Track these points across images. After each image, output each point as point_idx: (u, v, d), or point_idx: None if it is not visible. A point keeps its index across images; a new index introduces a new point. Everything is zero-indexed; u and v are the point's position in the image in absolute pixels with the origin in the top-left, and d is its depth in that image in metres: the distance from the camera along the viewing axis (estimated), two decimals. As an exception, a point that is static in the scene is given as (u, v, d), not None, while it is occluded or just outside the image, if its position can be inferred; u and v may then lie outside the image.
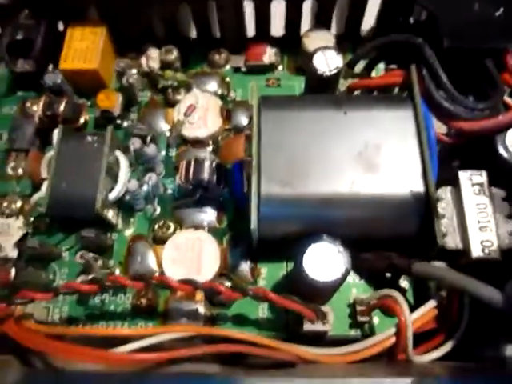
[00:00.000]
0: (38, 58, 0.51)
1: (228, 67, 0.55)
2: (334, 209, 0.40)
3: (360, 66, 0.53)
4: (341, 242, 0.38)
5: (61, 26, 0.55)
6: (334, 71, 0.45)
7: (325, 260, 0.37)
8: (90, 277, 0.42)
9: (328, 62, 0.46)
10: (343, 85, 0.51)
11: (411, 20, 0.53)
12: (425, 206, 0.40)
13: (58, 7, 0.52)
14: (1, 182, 0.50)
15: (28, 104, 0.52)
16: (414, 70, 0.45)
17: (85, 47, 0.50)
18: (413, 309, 0.40)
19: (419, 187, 0.40)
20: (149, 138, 0.46)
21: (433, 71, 0.45)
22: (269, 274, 0.45)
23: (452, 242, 0.41)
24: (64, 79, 0.50)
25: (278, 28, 0.55)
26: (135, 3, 0.50)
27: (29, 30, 0.51)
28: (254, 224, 0.39)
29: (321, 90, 0.47)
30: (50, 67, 0.51)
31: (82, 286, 0.38)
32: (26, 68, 0.52)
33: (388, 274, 0.44)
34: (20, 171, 0.50)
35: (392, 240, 0.41)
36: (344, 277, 0.37)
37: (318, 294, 0.40)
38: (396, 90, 0.50)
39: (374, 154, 0.41)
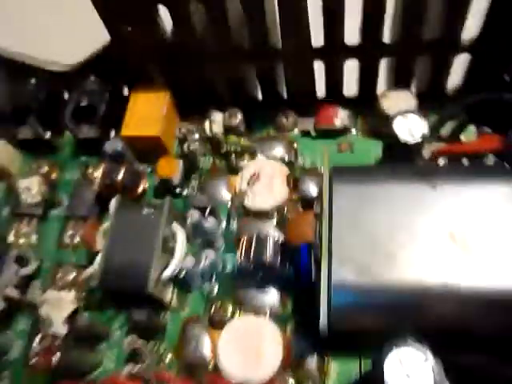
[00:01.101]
0: (101, 124, 0.50)
1: (296, 131, 0.51)
2: (422, 302, 0.34)
3: (446, 130, 0.47)
4: (430, 346, 0.31)
5: (126, 91, 0.54)
6: (419, 139, 0.40)
7: (410, 370, 0.31)
8: (137, 367, 0.38)
9: (411, 127, 0.40)
10: (426, 150, 0.45)
11: (506, 77, 0.47)
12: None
13: (122, 72, 0.50)
14: (58, 250, 0.48)
15: (90, 170, 0.51)
16: (515, 135, 0.38)
17: (148, 113, 0.49)
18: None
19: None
20: (208, 210, 0.42)
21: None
22: (340, 370, 0.38)
23: None
24: (125, 146, 0.48)
25: (350, 87, 0.50)
26: (199, 64, 0.48)
27: (93, 96, 0.51)
28: (323, 320, 0.33)
29: (402, 158, 0.41)
30: (112, 133, 0.50)
31: (123, 382, 0.34)
32: (89, 134, 0.51)
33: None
34: (77, 240, 0.48)
35: (495, 342, 0.34)
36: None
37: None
38: (489, 158, 0.43)
39: (470, 237, 0.34)
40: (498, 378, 0.34)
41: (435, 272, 0.34)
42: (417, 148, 0.41)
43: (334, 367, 0.39)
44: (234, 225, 0.46)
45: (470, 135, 0.46)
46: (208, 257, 0.41)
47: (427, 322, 0.34)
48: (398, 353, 0.31)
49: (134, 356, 0.40)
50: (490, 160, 0.42)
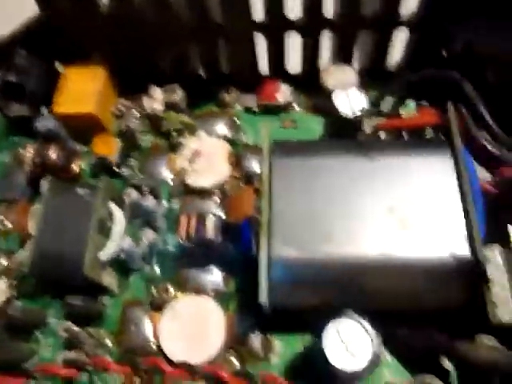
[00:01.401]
0: (32, 101, 0.47)
1: (238, 107, 0.49)
2: (361, 276, 0.34)
3: (386, 105, 0.47)
4: (369, 318, 0.32)
5: (61, 68, 0.51)
6: (358, 113, 0.40)
7: (349, 342, 0.31)
8: (74, 354, 0.36)
9: (351, 102, 0.40)
10: (367, 125, 0.45)
11: (444, 52, 0.47)
12: (471, 271, 0.33)
13: (55, 47, 0.47)
14: (-13, 236, 0.46)
15: (21, 151, 0.48)
16: (452, 108, 0.38)
17: (82, 89, 0.46)
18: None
19: (463, 249, 0.33)
20: (147, 189, 0.40)
21: (475, 110, 0.38)
22: (284, 348, 0.38)
23: (507, 314, 0.33)
24: (58, 125, 0.45)
25: (294, 64, 0.50)
26: (138, 40, 0.46)
27: (23, 72, 0.47)
28: (263, 296, 0.32)
29: (343, 133, 0.41)
30: (45, 111, 0.47)
31: (59, 370, 0.32)
32: (20, 112, 0.48)
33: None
34: (8, 225, 0.45)
35: (431, 313, 0.34)
36: (372, 364, 0.31)
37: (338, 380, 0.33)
38: (428, 131, 0.43)
39: (408, 210, 0.34)
40: (433, 348, 0.34)
41: (373, 246, 0.34)
42: (357, 123, 0.41)
43: (278, 345, 0.38)
44: (175, 204, 0.44)
45: (409, 110, 0.47)
46: (148, 237, 0.40)
47: (366, 296, 0.34)
48: (337, 326, 0.31)
49: (70, 343, 0.38)
50: (430, 134, 0.43)
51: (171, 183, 0.45)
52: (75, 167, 0.45)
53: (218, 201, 0.43)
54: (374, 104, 0.46)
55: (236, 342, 0.38)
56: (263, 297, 0.32)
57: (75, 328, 0.37)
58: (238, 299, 0.40)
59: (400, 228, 0.34)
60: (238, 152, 0.46)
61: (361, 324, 0.31)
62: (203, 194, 0.44)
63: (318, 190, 0.35)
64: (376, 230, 0.34)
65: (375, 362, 0.31)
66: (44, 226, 0.39)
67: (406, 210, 0.34)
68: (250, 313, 0.39)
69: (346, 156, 0.37)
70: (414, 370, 0.36)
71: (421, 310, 0.34)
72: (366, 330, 0.31)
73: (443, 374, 0.34)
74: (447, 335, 0.34)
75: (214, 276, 0.41)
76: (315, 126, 0.47)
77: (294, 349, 0.38)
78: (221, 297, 0.40)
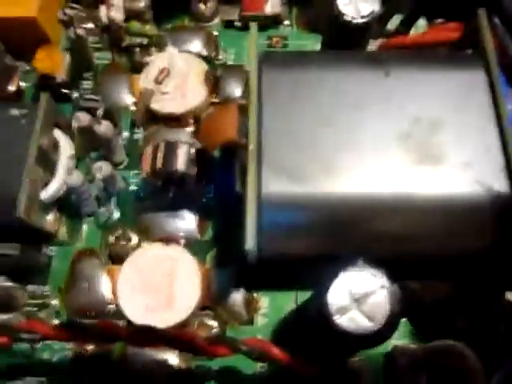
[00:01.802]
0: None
1: (217, 21, 0.41)
2: (371, 217, 0.27)
3: (395, 22, 0.39)
4: (384, 271, 0.25)
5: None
6: (368, 18, 0.32)
7: (361, 299, 0.24)
8: (7, 316, 0.29)
9: (358, 4, 0.32)
10: (372, 44, 0.37)
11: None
12: (507, 210, 0.26)
13: None
14: None
15: None
16: (484, 16, 0.31)
17: (18, -12, 0.36)
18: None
19: (499, 183, 0.26)
20: (100, 112, 0.32)
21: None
22: (271, 307, 0.31)
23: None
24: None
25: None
26: None
27: None
28: (250, 242, 0.25)
29: (347, 46, 0.33)
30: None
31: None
32: None
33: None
34: None
35: (452, 262, 0.28)
36: (390, 326, 0.24)
37: (349, 348, 0.26)
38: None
39: (430, 136, 0.27)
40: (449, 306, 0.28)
41: (385, 180, 0.27)
42: (364, 31, 0.33)
43: (265, 303, 0.32)
44: (139, 134, 0.36)
45: (420, 29, 0.39)
46: (103, 173, 0.31)
47: (375, 242, 0.27)
48: (346, 279, 0.24)
49: (4, 303, 0.31)
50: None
51: (133, 109, 0.37)
52: (12, 86, 0.36)
53: (191, 130, 0.35)
54: (380, 22, 0.38)
55: (213, 301, 0.31)
56: (250, 243, 0.25)
57: (10, 284, 0.29)
58: (215, 250, 0.33)
59: (420, 158, 0.27)
60: (216, 73, 0.37)
61: (375, 276, 0.24)
62: (173, 122, 0.36)
63: (318, 112, 0.28)
64: (390, 160, 0.27)
65: (394, 325, 0.24)
66: (-33, 156, 0.31)
67: (428, 137, 0.27)
68: (230, 266, 0.32)
69: (353, 70, 0.29)
70: (425, 333, 0.30)
71: (441, 258, 0.28)
72: (382, 284, 0.24)
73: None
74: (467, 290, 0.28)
75: (186, 222, 0.33)
76: (310, 44, 0.39)
77: (283, 308, 0.31)
78: (194, 247, 0.33)
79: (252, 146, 0.26)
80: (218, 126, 0.28)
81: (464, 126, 0.27)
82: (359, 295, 0.24)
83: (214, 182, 0.32)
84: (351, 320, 0.23)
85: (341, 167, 0.26)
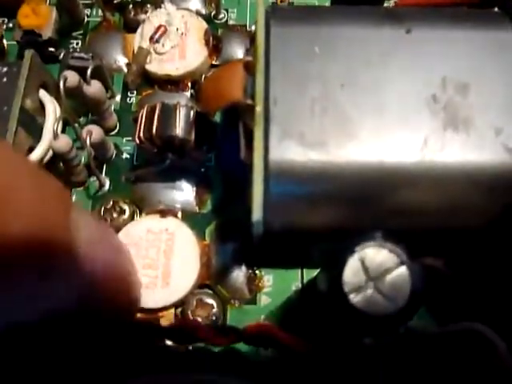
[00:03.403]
0: None
1: (218, -24, 0.37)
2: (391, 187, 0.24)
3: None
4: (404, 247, 0.22)
5: None
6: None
7: (377, 278, 0.22)
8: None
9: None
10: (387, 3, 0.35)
11: None
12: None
13: None
14: None
15: None
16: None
17: None
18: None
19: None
20: (89, 71, 0.29)
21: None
22: (275, 286, 0.29)
23: None
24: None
25: None
26: None
27: None
28: (257, 213, 0.23)
29: (356, 2, 0.30)
30: None
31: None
32: None
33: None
34: None
35: (478, 237, 0.26)
36: (410, 306, 0.22)
37: (363, 330, 0.24)
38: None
39: (457, 99, 0.25)
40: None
41: (409, 147, 0.24)
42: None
43: (269, 282, 0.29)
44: (132, 99, 0.33)
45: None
46: (94, 136, 0.29)
47: (395, 215, 0.25)
48: (363, 255, 0.22)
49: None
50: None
51: (126, 71, 0.34)
52: (-7, 43, 0.33)
53: (189, 95, 0.33)
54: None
55: (213, 279, 0.29)
56: (257, 214, 0.22)
57: None
58: (215, 223, 0.30)
59: (446, 123, 0.24)
60: (217, 34, 0.35)
61: (395, 252, 0.22)
62: (170, 85, 0.33)
63: (333, 70, 0.25)
64: (415, 126, 0.24)
65: (415, 305, 0.22)
66: None
67: (455, 100, 0.25)
68: (231, 241, 0.30)
69: (370, 26, 0.26)
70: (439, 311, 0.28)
71: (467, 232, 0.26)
72: (403, 261, 0.22)
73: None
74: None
75: (184, 193, 0.31)
76: (319, 1, 0.36)
77: (288, 287, 0.29)
78: (192, 220, 0.30)
79: (259, 108, 0.24)
80: (222, 86, 0.25)
81: (493, 89, 0.25)
82: (377, 273, 0.22)
83: (216, 149, 0.29)
84: (368, 300, 0.21)
85: (359, 132, 0.24)
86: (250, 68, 0.25)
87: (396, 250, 0.22)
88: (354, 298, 0.21)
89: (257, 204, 0.23)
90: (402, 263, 0.22)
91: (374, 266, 0.22)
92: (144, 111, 0.28)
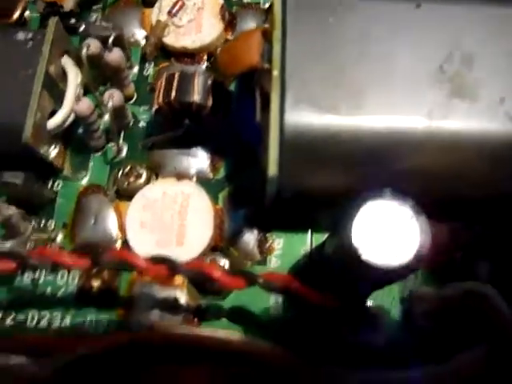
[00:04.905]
0: None
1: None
2: (399, 152, 0.25)
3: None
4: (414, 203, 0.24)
5: None
6: None
7: (388, 230, 0.23)
8: (10, 243, 0.27)
9: None
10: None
11: None
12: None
13: None
14: None
15: None
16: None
17: None
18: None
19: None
20: (111, 39, 0.30)
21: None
22: (285, 249, 0.30)
23: None
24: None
25: None
26: None
27: None
28: (273, 169, 0.24)
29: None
30: None
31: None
32: None
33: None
34: None
35: (481, 203, 0.27)
36: (417, 260, 0.23)
37: (368, 284, 0.25)
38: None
39: (464, 70, 0.26)
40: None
41: (416, 113, 0.25)
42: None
43: (278, 244, 0.30)
44: (150, 70, 0.35)
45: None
46: (115, 100, 0.30)
47: (401, 179, 0.26)
48: (372, 209, 0.23)
49: (8, 235, 0.29)
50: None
51: (143, 43, 0.35)
52: (16, 13, 0.34)
53: (205, 67, 0.34)
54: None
55: (225, 241, 0.30)
56: (273, 169, 0.24)
57: (12, 209, 0.28)
58: (229, 189, 0.31)
59: (452, 92, 0.25)
60: (232, 9, 0.36)
61: (403, 207, 0.23)
62: (186, 58, 0.34)
63: (346, 40, 0.26)
64: (422, 94, 0.25)
65: (421, 258, 0.23)
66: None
67: (461, 71, 0.26)
68: (244, 206, 0.31)
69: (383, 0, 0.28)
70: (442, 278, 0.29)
71: (469, 198, 0.27)
72: (411, 215, 0.23)
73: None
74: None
75: (199, 159, 0.32)
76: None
77: (298, 250, 0.30)
78: (207, 186, 0.31)
79: (276, 72, 0.25)
80: (240, 51, 0.26)
81: (497, 61, 0.26)
82: (386, 226, 0.23)
83: (231, 117, 0.30)
84: (378, 252, 0.22)
85: (370, 98, 0.25)
86: (267, 35, 0.26)
87: (405, 205, 0.23)
88: (364, 252, 0.22)
89: (273, 160, 0.24)
90: (411, 216, 0.23)
91: (384, 218, 0.23)
92: (163, 78, 0.29)
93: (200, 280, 0.24)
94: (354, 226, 0.23)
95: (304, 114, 0.25)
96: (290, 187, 0.26)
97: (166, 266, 0.23)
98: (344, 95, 0.25)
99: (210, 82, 0.29)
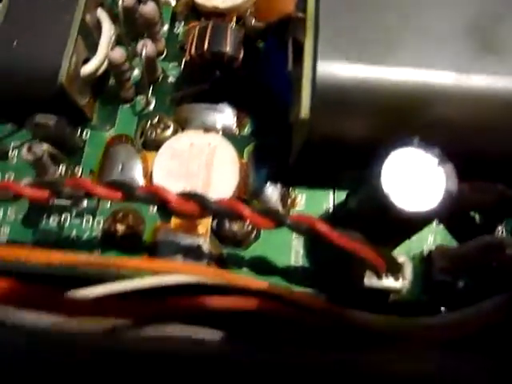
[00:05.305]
0: None
1: None
2: (428, 103, 0.26)
3: None
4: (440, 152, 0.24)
5: None
6: None
7: (416, 177, 0.23)
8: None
9: None
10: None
11: None
12: None
13: None
14: None
15: None
16: None
17: None
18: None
19: None
20: (146, -6, 0.31)
21: None
22: (308, 204, 0.31)
23: None
24: None
25: None
26: None
27: None
28: (305, 112, 0.24)
29: None
30: None
31: (25, 189, 0.24)
32: None
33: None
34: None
35: (507, 163, 0.27)
36: (443, 206, 0.23)
37: (393, 232, 0.26)
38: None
39: (494, 28, 0.27)
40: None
41: (445, 66, 0.26)
42: None
43: (301, 200, 0.31)
44: (180, 29, 0.35)
45: None
46: (148, 49, 0.30)
47: (429, 131, 0.26)
48: (400, 156, 0.24)
49: (37, 175, 0.30)
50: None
51: (174, 3, 0.36)
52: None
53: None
54: None
55: (249, 195, 0.31)
56: (305, 111, 0.24)
57: (44, 146, 0.28)
58: (254, 145, 0.32)
59: (483, 48, 0.26)
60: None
61: (431, 154, 0.23)
62: (216, 17, 0.35)
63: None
64: (452, 49, 0.26)
65: (448, 204, 0.23)
66: (8, 23, 0.30)
67: (492, 28, 0.26)
68: (268, 161, 0.31)
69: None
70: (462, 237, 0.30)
71: (495, 157, 0.27)
72: (438, 162, 0.23)
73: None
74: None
75: (225, 115, 0.32)
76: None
77: (321, 206, 0.31)
78: (232, 141, 0.32)
79: (310, 22, 0.26)
80: (276, 0, 0.27)
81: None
82: (414, 173, 0.23)
83: (261, 71, 0.31)
84: (406, 198, 0.23)
85: (400, 51, 0.26)
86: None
87: (432, 152, 0.24)
88: (392, 198, 0.23)
89: (305, 105, 0.24)
90: (437, 163, 0.23)
91: (411, 165, 0.23)
92: (196, 30, 0.30)
93: (229, 217, 0.24)
94: (383, 173, 0.23)
95: (335, 64, 0.25)
96: (320, 133, 0.26)
97: (197, 202, 0.24)
98: (375, 47, 0.26)
99: (242, 35, 0.30)
